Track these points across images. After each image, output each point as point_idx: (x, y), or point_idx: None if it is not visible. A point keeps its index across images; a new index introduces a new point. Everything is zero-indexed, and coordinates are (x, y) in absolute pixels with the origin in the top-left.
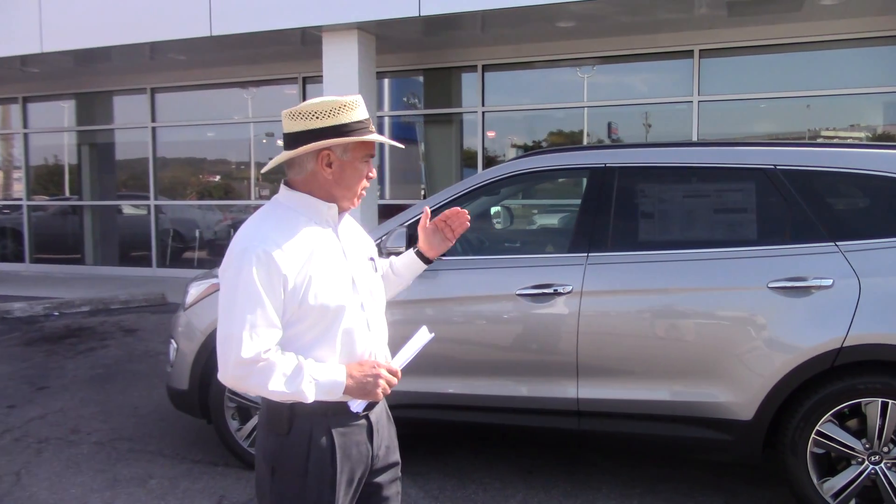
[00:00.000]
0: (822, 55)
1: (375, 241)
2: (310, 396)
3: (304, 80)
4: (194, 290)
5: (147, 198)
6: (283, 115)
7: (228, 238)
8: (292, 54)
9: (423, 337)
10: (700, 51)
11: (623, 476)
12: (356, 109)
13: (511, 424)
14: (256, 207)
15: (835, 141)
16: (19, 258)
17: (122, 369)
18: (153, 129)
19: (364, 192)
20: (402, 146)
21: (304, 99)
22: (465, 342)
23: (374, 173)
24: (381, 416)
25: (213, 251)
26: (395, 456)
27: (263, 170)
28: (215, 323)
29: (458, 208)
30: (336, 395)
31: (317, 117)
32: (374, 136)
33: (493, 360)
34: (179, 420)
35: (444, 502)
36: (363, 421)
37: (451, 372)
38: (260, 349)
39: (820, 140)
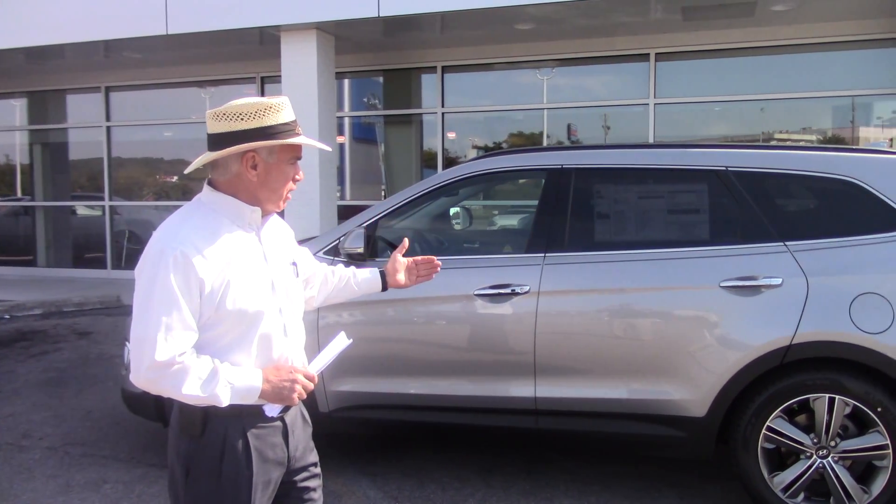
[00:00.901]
0: (774, 60)
1: (333, 241)
2: (224, 400)
3: (263, 80)
4: None
5: (102, 198)
6: (208, 115)
7: None
8: (250, 54)
9: (340, 343)
10: (656, 54)
11: (581, 474)
12: (282, 111)
13: (470, 424)
14: None
15: (787, 143)
16: None
17: (76, 373)
18: (108, 128)
19: (290, 195)
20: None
21: None
22: (425, 342)
23: (301, 175)
24: (296, 418)
25: None
26: (313, 457)
27: (186, 171)
28: None
29: (435, 259)
30: (251, 400)
31: (242, 119)
32: (300, 139)
33: (452, 360)
34: (134, 424)
35: (404, 502)
36: (278, 423)
37: (410, 372)
38: (175, 352)
39: (773, 143)
